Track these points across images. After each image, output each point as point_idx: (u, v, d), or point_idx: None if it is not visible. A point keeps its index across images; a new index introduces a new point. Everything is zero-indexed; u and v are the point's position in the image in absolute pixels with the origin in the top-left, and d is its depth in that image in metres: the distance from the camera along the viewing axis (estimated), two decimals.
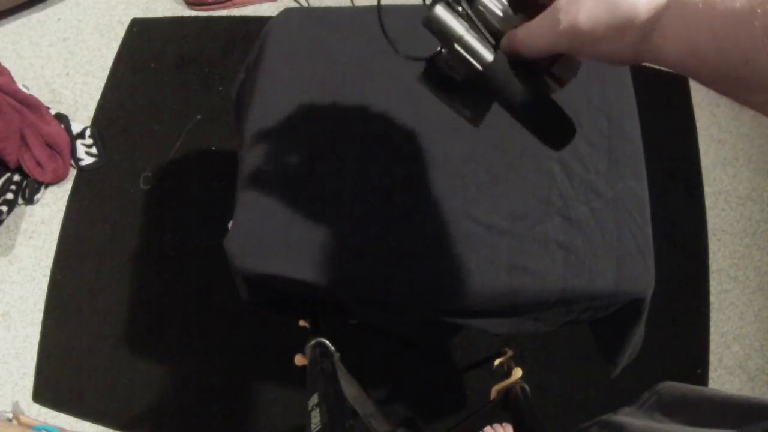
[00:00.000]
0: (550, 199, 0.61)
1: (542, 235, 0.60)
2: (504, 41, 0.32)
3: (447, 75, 0.36)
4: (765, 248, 1.30)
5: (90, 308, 1.22)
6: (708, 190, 1.34)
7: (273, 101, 0.65)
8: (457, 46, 0.32)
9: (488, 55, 0.32)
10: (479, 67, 0.32)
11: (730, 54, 0.23)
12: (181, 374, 1.16)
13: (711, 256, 1.28)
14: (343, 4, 1.50)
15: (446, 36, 0.32)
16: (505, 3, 0.33)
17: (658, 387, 0.59)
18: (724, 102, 1.44)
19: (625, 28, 0.26)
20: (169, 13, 1.52)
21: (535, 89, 0.33)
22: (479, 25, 0.33)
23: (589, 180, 0.63)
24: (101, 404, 1.15)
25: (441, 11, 0.32)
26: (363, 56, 0.67)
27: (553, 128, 0.35)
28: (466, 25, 0.32)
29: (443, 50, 0.35)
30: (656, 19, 0.25)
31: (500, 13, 0.33)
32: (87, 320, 1.21)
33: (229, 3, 1.51)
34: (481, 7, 0.33)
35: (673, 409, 0.54)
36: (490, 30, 0.33)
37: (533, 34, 0.29)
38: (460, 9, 0.32)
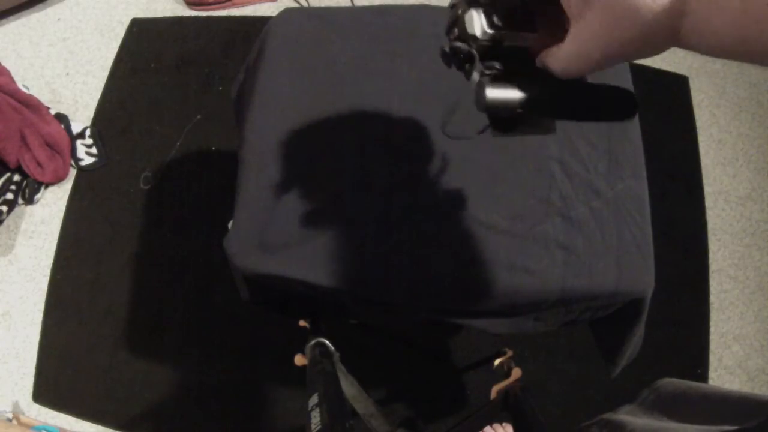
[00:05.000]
0: (550, 199, 0.61)
1: (542, 235, 0.60)
2: (539, 63, 0.32)
3: (509, 117, 0.35)
4: (765, 248, 1.30)
5: (90, 308, 1.22)
6: (708, 190, 1.34)
7: (273, 101, 0.65)
8: (520, 110, 0.32)
9: (539, 93, 0.32)
10: (539, 107, 0.32)
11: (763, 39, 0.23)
12: (181, 374, 1.16)
13: (711, 256, 1.28)
14: (343, 4, 1.51)
15: (508, 108, 0.32)
16: (497, 23, 0.32)
17: (657, 384, 0.59)
18: (724, 102, 1.44)
19: (654, 38, 0.26)
20: (169, 13, 1.52)
21: (579, 85, 0.33)
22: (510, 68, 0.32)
23: (589, 180, 0.63)
24: (101, 404, 1.15)
25: (493, 92, 0.31)
26: (363, 56, 0.67)
27: (613, 105, 0.34)
28: (513, 83, 0.32)
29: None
30: (678, 25, 0.26)
31: (506, 42, 0.32)
32: (87, 320, 1.21)
33: (229, 3, 1.51)
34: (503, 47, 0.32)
35: (672, 406, 0.54)
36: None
37: (569, 64, 0.30)
38: (497, 70, 0.32)
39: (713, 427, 0.44)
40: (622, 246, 0.60)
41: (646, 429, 0.51)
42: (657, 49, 0.27)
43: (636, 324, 0.65)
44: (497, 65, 0.32)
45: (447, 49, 0.34)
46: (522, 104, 0.32)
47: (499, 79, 0.32)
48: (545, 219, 0.60)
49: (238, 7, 1.52)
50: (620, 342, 0.67)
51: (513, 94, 0.32)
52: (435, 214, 0.60)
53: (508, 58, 0.33)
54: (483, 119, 0.35)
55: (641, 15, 0.25)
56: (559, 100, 0.33)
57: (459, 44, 0.33)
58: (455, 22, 0.33)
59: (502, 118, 0.35)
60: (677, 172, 1.36)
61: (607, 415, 0.58)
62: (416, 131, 0.64)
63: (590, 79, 0.34)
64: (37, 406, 1.15)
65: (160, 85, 1.42)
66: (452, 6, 0.34)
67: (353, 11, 0.76)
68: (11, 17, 1.50)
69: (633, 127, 0.67)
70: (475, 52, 0.32)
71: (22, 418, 1.09)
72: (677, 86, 1.44)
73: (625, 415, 0.57)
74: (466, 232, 0.59)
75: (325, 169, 0.62)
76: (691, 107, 1.42)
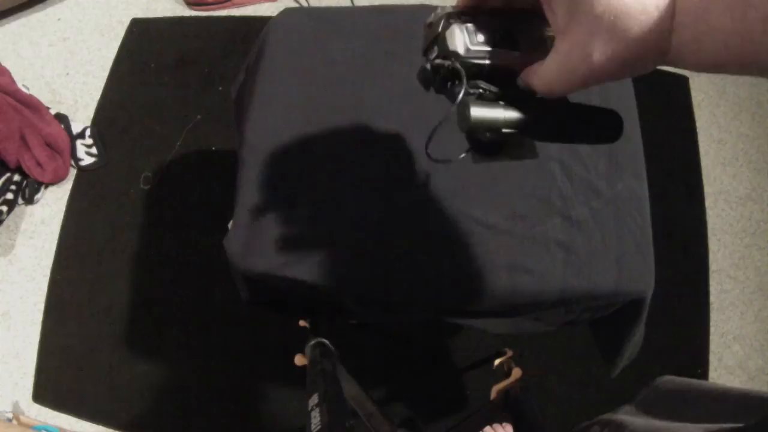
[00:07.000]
0: (550, 199, 0.61)
1: (542, 235, 0.60)
2: (521, 82, 0.31)
3: (492, 145, 0.34)
4: (765, 248, 1.30)
5: (90, 308, 1.22)
6: (708, 190, 1.34)
7: (273, 101, 0.65)
8: (504, 130, 0.31)
9: (524, 114, 0.31)
10: (525, 128, 0.31)
11: (759, 57, 0.22)
12: (181, 374, 1.16)
13: (711, 256, 1.28)
14: (343, 4, 1.51)
15: (492, 128, 0.31)
16: (490, 49, 0.31)
17: (656, 382, 0.59)
18: (724, 102, 1.44)
19: (642, 55, 0.25)
20: (169, 13, 1.52)
21: (565, 107, 0.32)
22: (496, 90, 0.31)
23: (589, 180, 0.63)
24: (101, 404, 1.15)
25: (477, 111, 0.30)
26: (363, 56, 0.67)
27: (600, 127, 0.33)
28: (498, 103, 0.31)
29: (488, 134, 0.33)
30: (667, 43, 0.25)
31: (489, 60, 0.32)
32: (87, 320, 1.21)
33: (229, 3, 1.51)
34: (485, 70, 0.31)
35: (672, 405, 0.54)
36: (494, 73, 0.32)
37: (553, 82, 0.29)
38: (481, 90, 0.31)
39: (714, 426, 0.44)
40: (622, 246, 0.60)
41: (647, 428, 0.51)
42: (644, 67, 0.26)
43: (636, 324, 0.65)
44: (482, 84, 0.31)
45: (428, 67, 0.33)
46: (507, 124, 0.30)
47: (483, 99, 0.31)
48: (545, 219, 0.60)
49: (238, 7, 1.52)
50: (620, 342, 0.67)
51: (498, 113, 0.31)
52: (435, 214, 0.60)
53: (490, 79, 0.32)
54: (465, 142, 0.34)
55: (630, 29, 0.24)
56: (544, 122, 0.32)
57: (441, 61, 0.32)
58: (435, 41, 0.32)
59: (484, 142, 0.34)
60: (677, 172, 1.36)
61: (607, 415, 0.58)
62: (416, 131, 0.64)
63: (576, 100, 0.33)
64: (37, 406, 1.15)
65: (160, 85, 1.42)
66: (429, 24, 0.33)
67: (353, 11, 0.76)
68: (11, 17, 1.50)
69: (633, 127, 0.67)
70: (460, 67, 0.31)
71: (22, 418, 1.09)
72: (677, 86, 1.44)
73: (624, 415, 0.57)
74: (466, 232, 0.59)
75: (325, 168, 0.62)
76: (691, 107, 1.42)
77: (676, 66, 0.26)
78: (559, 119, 0.32)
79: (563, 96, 0.31)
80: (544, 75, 0.29)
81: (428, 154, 0.37)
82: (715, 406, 0.49)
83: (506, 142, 0.35)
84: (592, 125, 0.33)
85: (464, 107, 0.30)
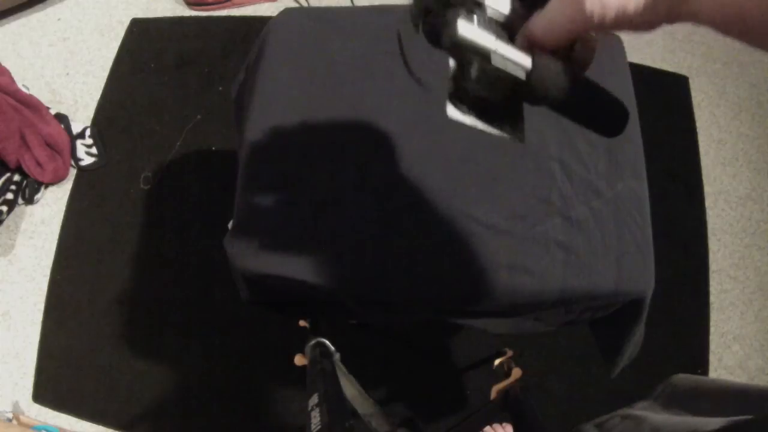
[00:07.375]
0: (550, 199, 0.61)
1: (542, 235, 0.60)
2: (522, 37, 0.28)
3: (476, 96, 0.30)
4: (765, 248, 1.30)
5: (90, 308, 1.22)
6: (708, 190, 1.34)
7: (273, 101, 0.65)
8: (493, 61, 0.27)
9: (527, 60, 0.27)
10: (522, 76, 0.28)
11: None
12: (181, 374, 1.16)
13: (711, 256, 1.28)
14: (343, 4, 1.51)
15: (478, 53, 0.27)
16: None
17: (672, 379, 0.59)
18: (724, 102, 1.44)
19: None
20: (169, 13, 1.52)
21: (573, 78, 0.29)
22: (497, 26, 0.28)
23: (589, 180, 0.63)
24: (101, 404, 1.15)
25: (466, 27, 0.27)
26: (363, 56, 0.67)
27: (605, 114, 0.31)
28: (492, 32, 0.28)
29: (473, 70, 0.29)
30: None
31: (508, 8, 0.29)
32: (87, 320, 1.21)
33: (229, 3, 1.51)
34: (490, 8, 0.29)
35: (689, 401, 0.54)
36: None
37: (555, 22, 0.26)
38: (475, 18, 0.28)
39: (732, 418, 0.44)
40: (622, 246, 0.60)
41: (667, 423, 0.50)
42: (657, 12, 0.24)
43: (636, 324, 0.64)
44: (477, 11, 0.28)
45: None
46: (497, 52, 0.27)
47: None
48: (545, 219, 0.60)
49: (238, 7, 1.52)
50: (620, 342, 0.67)
51: (490, 40, 0.27)
52: (435, 214, 0.60)
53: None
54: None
55: None
56: (538, 67, 0.28)
57: None
58: None
59: (468, 91, 0.30)
60: (677, 172, 1.36)
61: (623, 410, 0.58)
62: (416, 131, 0.64)
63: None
64: (37, 406, 1.15)
65: (160, 85, 1.42)
66: None
67: (353, 11, 0.76)
68: (11, 17, 1.50)
69: (633, 127, 0.67)
70: None
71: (22, 418, 1.09)
72: (677, 86, 1.44)
73: (641, 411, 0.56)
74: (466, 232, 0.59)
75: (324, 169, 0.62)
76: (691, 107, 1.42)
77: (694, 21, 0.24)
78: (557, 73, 0.28)
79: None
80: (545, 15, 0.27)
81: (406, 64, 0.34)
82: (734, 402, 0.49)
83: (493, 105, 0.31)
84: (593, 101, 0.31)
85: (452, 18, 0.27)
